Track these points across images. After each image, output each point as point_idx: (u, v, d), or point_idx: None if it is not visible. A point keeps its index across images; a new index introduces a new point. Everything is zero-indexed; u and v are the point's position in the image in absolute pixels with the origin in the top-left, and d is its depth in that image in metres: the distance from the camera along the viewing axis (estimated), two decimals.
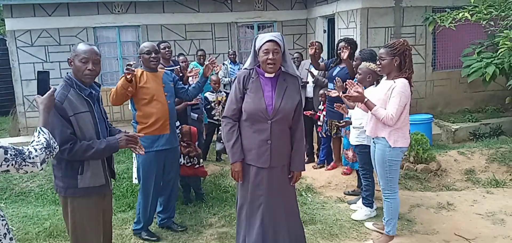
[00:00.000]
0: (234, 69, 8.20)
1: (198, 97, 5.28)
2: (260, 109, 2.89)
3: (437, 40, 8.37)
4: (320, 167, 5.82)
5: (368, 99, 3.46)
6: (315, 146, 6.30)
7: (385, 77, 3.60)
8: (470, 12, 6.62)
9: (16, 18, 8.92)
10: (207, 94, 6.21)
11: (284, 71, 3.02)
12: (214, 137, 6.23)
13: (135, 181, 4.20)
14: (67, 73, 2.68)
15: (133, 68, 3.52)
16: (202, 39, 9.91)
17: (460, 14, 6.66)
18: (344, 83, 3.84)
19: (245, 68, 3.05)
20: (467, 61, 6.90)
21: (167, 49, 5.32)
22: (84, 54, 2.59)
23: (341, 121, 4.64)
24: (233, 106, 2.99)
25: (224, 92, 6.50)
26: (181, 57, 6.60)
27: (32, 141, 1.95)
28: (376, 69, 3.96)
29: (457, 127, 7.44)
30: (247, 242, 3.06)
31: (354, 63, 4.72)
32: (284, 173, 3.05)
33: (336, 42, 5.50)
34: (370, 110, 3.47)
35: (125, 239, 3.93)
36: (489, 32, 6.85)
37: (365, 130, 3.78)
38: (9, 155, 1.74)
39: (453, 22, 6.86)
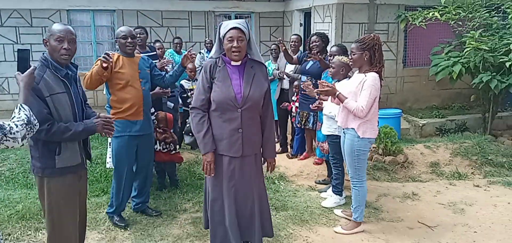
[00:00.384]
0: None
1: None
2: (229, 97, 2.87)
3: (409, 38, 8.65)
4: (293, 157, 5.97)
5: (339, 93, 3.61)
6: (289, 137, 6.44)
7: (357, 71, 3.75)
8: (440, 12, 6.88)
9: None
10: (183, 82, 6.22)
11: (250, 58, 2.99)
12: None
13: (108, 165, 4.22)
14: (43, 53, 2.66)
15: (110, 58, 3.52)
16: (179, 26, 9.87)
17: (431, 14, 6.91)
18: (315, 80, 3.96)
19: (211, 57, 3.01)
20: (435, 60, 7.17)
21: (139, 35, 5.24)
22: (60, 33, 2.59)
23: (313, 105, 4.73)
24: (201, 97, 2.94)
25: None
26: (157, 44, 6.57)
27: (13, 117, 1.97)
28: (348, 62, 4.12)
29: (425, 122, 7.74)
30: (224, 231, 3.06)
31: (328, 57, 4.86)
32: (256, 161, 3.07)
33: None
34: (342, 103, 3.62)
35: (99, 223, 3.95)
36: (457, 32, 7.14)
37: (337, 121, 3.94)
38: None
39: (424, 21, 7.11)
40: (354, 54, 3.65)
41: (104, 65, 3.50)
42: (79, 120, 2.70)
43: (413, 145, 6.27)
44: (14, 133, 1.87)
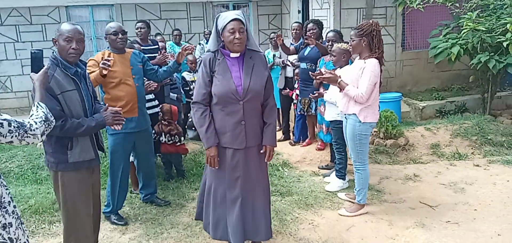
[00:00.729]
0: None
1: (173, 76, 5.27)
2: (231, 90, 2.83)
3: (406, 21, 8.69)
4: (296, 144, 6.07)
5: (341, 79, 3.70)
6: (291, 124, 6.54)
7: (358, 57, 3.83)
8: None
9: None
10: (185, 74, 6.31)
11: (249, 49, 2.95)
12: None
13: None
14: (53, 52, 2.76)
15: (109, 64, 3.44)
16: (177, 18, 9.91)
17: None
18: (315, 66, 4.06)
19: (209, 50, 2.97)
20: (434, 42, 7.23)
21: (141, 29, 5.26)
22: (68, 34, 2.68)
23: (314, 93, 4.85)
24: (202, 91, 2.91)
25: None
26: (158, 37, 6.62)
27: (31, 115, 2.07)
28: (348, 48, 4.20)
29: (425, 105, 7.82)
30: (227, 224, 3.03)
31: (325, 42, 4.95)
32: (260, 152, 3.05)
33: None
34: (343, 90, 3.71)
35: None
36: (454, 14, 7.18)
37: (338, 107, 4.03)
38: (12, 127, 1.87)
39: (421, 3, 7.15)
40: (353, 41, 3.73)
41: (104, 72, 3.46)
42: (89, 116, 2.80)
43: (414, 128, 6.36)
44: (34, 130, 1.97)
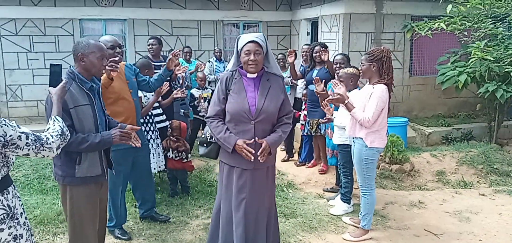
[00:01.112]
0: (219, 67, 8.39)
1: (185, 92, 5.32)
2: (243, 109, 2.89)
3: (415, 47, 8.75)
4: (301, 165, 6.08)
5: (348, 101, 3.73)
6: (297, 144, 6.55)
7: (368, 82, 3.87)
8: (446, 23, 6.96)
9: (1, 6, 8.84)
10: (193, 91, 6.40)
11: (267, 71, 3.01)
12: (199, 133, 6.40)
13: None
14: (70, 66, 2.79)
15: (117, 65, 3.36)
16: (188, 35, 10.03)
17: (437, 24, 7.00)
18: (324, 81, 4.12)
19: (228, 70, 3.05)
20: (442, 69, 7.27)
21: (152, 46, 5.31)
22: (103, 51, 2.77)
23: (324, 118, 4.87)
24: (216, 107, 2.98)
25: (210, 89, 6.70)
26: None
27: (48, 128, 2.12)
28: (354, 72, 4.26)
29: (431, 130, 7.81)
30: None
31: (335, 68, 4.99)
32: (268, 175, 3.07)
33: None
34: (349, 112, 3.74)
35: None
36: (462, 42, 7.23)
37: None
38: (30, 140, 1.91)
39: (430, 31, 7.21)
40: (363, 66, 3.78)
41: (113, 74, 3.36)
42: (102, 131, 2.83)
43: (420, 154, 6.35)
44: (50, 144, 2.01)
